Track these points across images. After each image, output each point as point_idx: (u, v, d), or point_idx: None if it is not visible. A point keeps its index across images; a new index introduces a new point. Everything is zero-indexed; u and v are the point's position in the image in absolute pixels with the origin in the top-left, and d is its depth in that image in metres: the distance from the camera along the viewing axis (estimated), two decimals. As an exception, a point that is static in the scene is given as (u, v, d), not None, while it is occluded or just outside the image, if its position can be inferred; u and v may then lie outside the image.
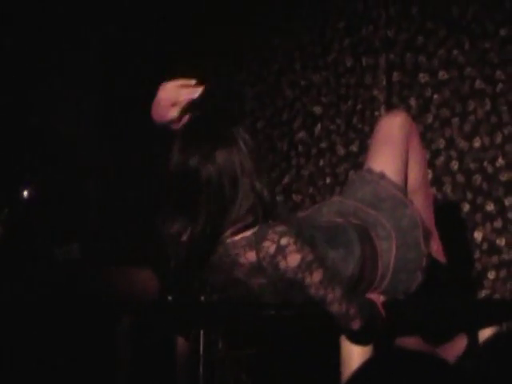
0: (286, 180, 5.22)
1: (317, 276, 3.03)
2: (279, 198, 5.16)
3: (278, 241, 3.02)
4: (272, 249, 3.02)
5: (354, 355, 3.12)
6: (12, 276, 3.52)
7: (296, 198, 5.14)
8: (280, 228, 3.04)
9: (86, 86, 5.06)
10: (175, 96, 3.24)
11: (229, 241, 3.05)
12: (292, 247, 3.02)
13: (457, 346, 3.55)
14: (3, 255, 3.95)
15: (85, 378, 3.59)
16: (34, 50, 4.88)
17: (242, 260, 3.07)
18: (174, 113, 3.23)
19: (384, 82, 5.03)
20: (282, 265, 3.02)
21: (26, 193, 3.99)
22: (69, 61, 5.09)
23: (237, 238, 3.05)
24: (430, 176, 4.71)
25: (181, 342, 3.46)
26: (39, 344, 3.23)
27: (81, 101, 4.96)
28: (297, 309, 3.15)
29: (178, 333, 3.44)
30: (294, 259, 3.02)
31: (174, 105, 3.23)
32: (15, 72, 4.72)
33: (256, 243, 3.04)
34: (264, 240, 3.02)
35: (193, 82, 3.28)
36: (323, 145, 5.15)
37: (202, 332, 3.50)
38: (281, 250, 3.01)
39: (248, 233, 3.05)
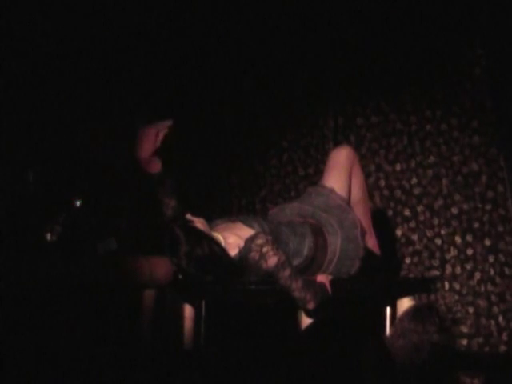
0: (262, 193, 5.16)
1: (287, 271, 3.12)
2: (258, 206, 5.14)
3: (260, 250, 3.12)
4: (257, 256, 3.12)
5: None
6: (66, 263, 3.50)
7: (270, 205, 5.08)
8: (259, 241, 3.13)
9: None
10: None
11: None
12: (270, 253, 3.11)
13: None
14: (62, 247, 3.95)
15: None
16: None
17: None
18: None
19: (332, 125, 5.01)
20: (264, 266, 3.12)
21: (78, 202, 4.01)
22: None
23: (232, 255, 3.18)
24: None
25: (188, 308, 3.49)
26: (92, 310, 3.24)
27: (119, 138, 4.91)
28: (270, 285, 3.20)
29: (186, 301, 3.47)
30: (272, 261, 3.11)
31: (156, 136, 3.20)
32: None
33: (245, 255, 3.15)
34: (251, 252, 3.13)
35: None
36: (289, 168, 5.13)
37: (203, 302, 3.51)
38: (262, 256, 3.11)
39: (238, 250, 3.17)
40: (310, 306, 3.14)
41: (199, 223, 3.16)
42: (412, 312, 2.76)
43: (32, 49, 4.37)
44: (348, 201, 3.57)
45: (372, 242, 3.63)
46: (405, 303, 3.58)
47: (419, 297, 4.22)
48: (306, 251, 3.33)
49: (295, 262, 3.27)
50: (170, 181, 3.24)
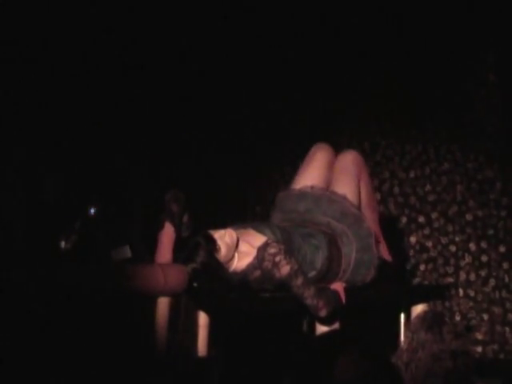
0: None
1: (300, 279, 3.12)
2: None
3: (273, 259, 3.13)
4: (270, 265, 3.13)
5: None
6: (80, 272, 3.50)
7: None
8: (272, 250, 3.14)
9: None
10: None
11: (239, 268, 3.20)
12: (283, 262, 3.12)
13: None
14: (76, 255, 3.96)
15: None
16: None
17: (251, 277, 3.19)
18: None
19: (347, 131, 5.00)
20: (277, 274, 3.13)
21: (92, 210, 4.02)
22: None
23: (243, 265, 3.20)
24: (378, 197, 4.68)
25: (202, 314, 3.45)
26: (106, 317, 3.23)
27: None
28: (285, 293, 3.19)
29: (201, 308, 3.45)
30: (285, 270, 3.12)
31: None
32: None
33: (259, 265, 3.16)
34: (263, 261, 3.14)
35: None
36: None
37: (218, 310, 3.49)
38: (275, 265, 3.12)
39: (250, 259, 3.18)
40: (322, 313, 3.13)
41: (227, 234, 3.18)
42: (426, 323, 2.73)
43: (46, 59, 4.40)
44: (359, 207, 3.53)
45: (382, 248, 3.58)
46: (419, 310, 3.51)
47: (434, 304, 4.19)
48: (319, 265, 3.31)
49: (309, 275, 3.26)
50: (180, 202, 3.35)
